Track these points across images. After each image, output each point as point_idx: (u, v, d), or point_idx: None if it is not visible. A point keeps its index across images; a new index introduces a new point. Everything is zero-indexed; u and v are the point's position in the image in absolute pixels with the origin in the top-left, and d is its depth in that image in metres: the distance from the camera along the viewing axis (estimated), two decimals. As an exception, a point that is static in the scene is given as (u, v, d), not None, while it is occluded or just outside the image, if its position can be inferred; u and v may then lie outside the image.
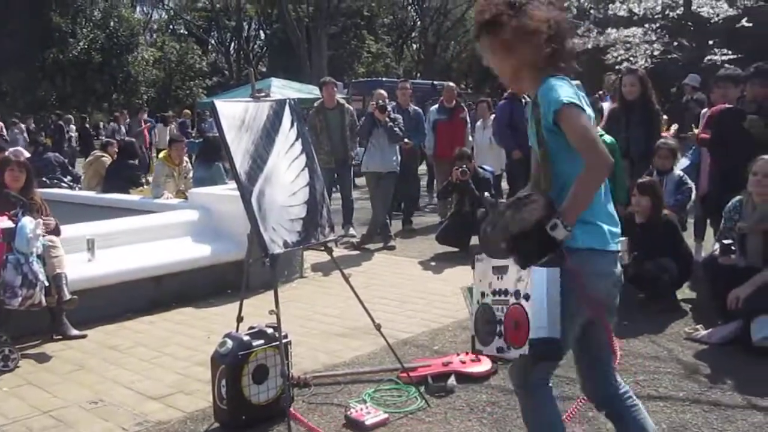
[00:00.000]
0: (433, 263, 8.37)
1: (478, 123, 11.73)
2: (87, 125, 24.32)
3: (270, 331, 4.21)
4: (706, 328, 5.51)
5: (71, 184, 11.18)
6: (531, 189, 2.77)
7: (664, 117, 8.90)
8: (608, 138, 6.85)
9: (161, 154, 9.67)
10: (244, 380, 4.05)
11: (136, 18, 41.81)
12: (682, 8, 18.90)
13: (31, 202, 5.89)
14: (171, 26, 53.20)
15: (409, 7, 52.70)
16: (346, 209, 9.79)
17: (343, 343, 5.58)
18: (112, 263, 6.48)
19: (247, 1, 49.24)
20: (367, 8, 46.42)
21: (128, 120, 23.63)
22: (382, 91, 10.12)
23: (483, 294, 2.88)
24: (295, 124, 4.48)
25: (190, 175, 9.25)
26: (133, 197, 9.12)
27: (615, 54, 18.68)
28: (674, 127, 10.19)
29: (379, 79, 28.82)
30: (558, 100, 2.58)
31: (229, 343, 4.08)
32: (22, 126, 23.60)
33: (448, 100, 10.92)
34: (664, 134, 8.10)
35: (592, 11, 20.76)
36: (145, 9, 52.83)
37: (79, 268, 6.13)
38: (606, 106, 7.79)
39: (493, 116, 10.73)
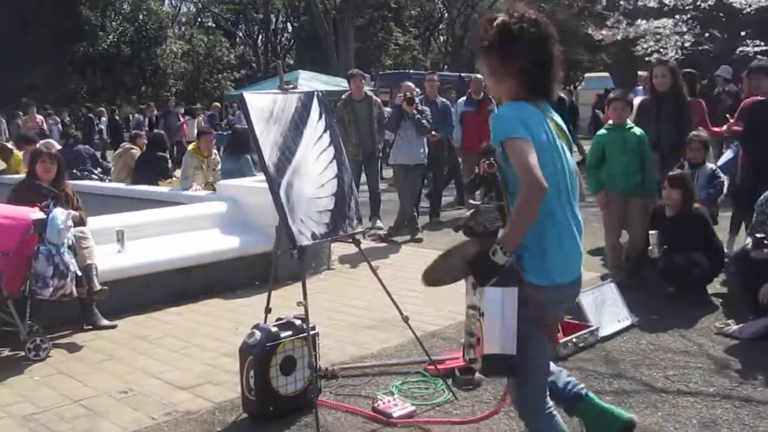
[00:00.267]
0: (460, 256, 8.32)
1: (506, 115, 11.64)
2: (117, 117, 24.55)
3: (298, 322, 4.22)
4: (738, 323, 5.44)
5: (101, 175, 11.24)
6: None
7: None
8: (638, 130, 6.80)
9: (190, 146, 9.72)
10: (272, 371, 4.06)
11: (164, 11, 42.04)
12: (713, -1, 18.63)
13: (62, 194, 5.96)
14: (199, 19, 53.45)
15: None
16: (373, 201, 9.79)
17: (370, 335, 5.58)
18: (141, 254, 6.53)
19: (274, -6, 49.37)
20: (394, 1, 46.31)
21: (155, 112, 23.84)
22: (410, 84, 10.09)
23: (468, 306, 3.01)
24: (323, 116, 4.48)
25: (219, 167, 9.28)
26: (162, 189, 9.17)
27: (645, 45, 18.39)
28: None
29: (407, 71, 28.73)
30: (502, 134, 2.77)
31: (258, 334, 4.10)
32: (57, 118, 23.89)
33: (475, 92, 10.84)
34: (716, 129, 7.94)
35: (621, 2, 20.50)
36: (173, 2, 53.19)
37: (108, 259, 6.19)
38: (636, 100, 7.67)
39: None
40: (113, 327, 5.92)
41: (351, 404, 4.31)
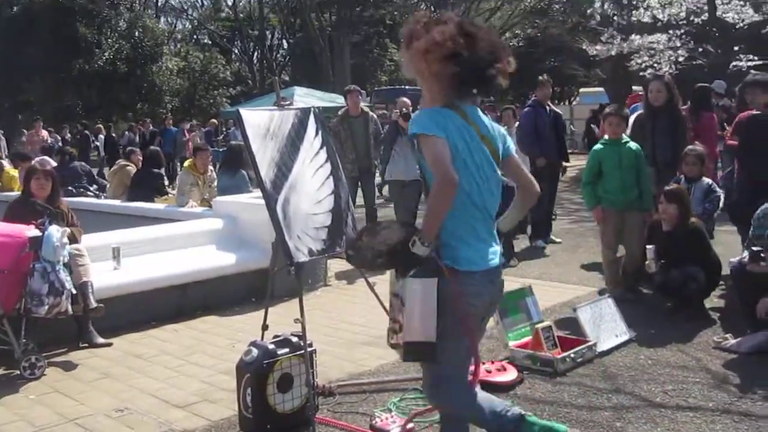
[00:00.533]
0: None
1: (503, 130, 11.64)
2: (113, 134, 24.56)
3: (295, 339, 4.20)
4: (735, 337, 5.43)
5: (97, 192, 11.25)
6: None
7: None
8: (634, 145, 6.81)
9: (186, 163, 9.71)
10: (270, 389, 4.04)
11: (160, 28, 42.06)
12: (706, 14, 18.69)
13: (57, 211, 5.95)
14: (195, 36, 53.54)
15: (432, 16, 52.63)
16: (369, 217, 9.78)
17: (368, 352, 5.56)
18: (137, 271, 6.52)
19: (270, 11, 49.46)
20: (389, 17, 46.47)
21: (151, 128, 23.85)
22: (406, 99, 10.11)
23: (390, 294, 3.19)
24: (320, 132, 4.48)
25: (215, 183, 9.28)
26: (158, 206, 9.16)
27: (639, 61, 18.50)
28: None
29: (402, 87, 28.80)
30: (417, 129, 2.96)
31: (255, 351, 4.08)
32: (57, 136, 23.90)
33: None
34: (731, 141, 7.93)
35: (615, 18, 20.62)
36: (169, 19, 53.26)
37: (104, 277, 6.17)
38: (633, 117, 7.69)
39: (517, 124, 10.68)
40: (109, 345, 5.89)
41: (349, 422, 4.29)
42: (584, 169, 7.19)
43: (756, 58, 17.74)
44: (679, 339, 5.59)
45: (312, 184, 4.34)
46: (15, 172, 10.78)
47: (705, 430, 4.05)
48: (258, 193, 6.09)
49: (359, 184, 9.60)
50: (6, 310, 5.19)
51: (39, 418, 4.48)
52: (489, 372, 4.77)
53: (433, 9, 34.63)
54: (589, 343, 5.24)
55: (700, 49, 18.72)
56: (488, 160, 3.11)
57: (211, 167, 9.63)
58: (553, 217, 10.55)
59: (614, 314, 5.65)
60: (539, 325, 5.25)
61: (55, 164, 10.21)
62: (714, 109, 11.96)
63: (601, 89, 27.66)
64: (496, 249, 3.17)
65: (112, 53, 35.09)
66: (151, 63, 36.80)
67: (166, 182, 10.81)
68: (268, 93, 31.26)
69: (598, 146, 7.01)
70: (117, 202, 9.77)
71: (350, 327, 6.25)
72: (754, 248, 5.52)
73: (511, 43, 40.65)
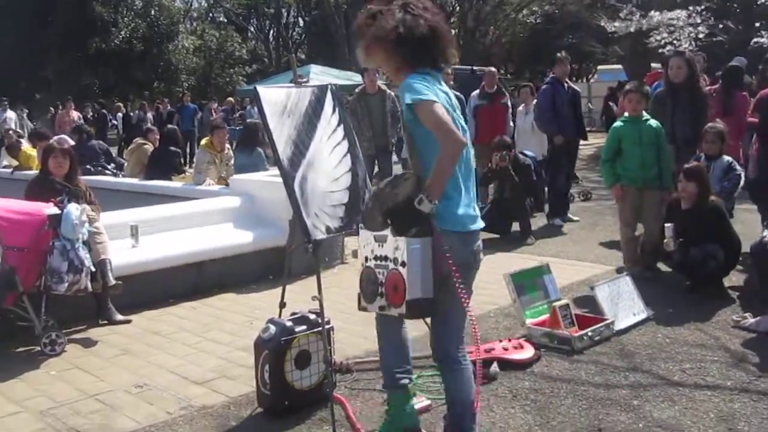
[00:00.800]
0: (474, 249, 8.29)
1: (521, 108, 11.58)
2: (130, 113, 24.62)
3: (312, 316, 4.21)
4: (755, 316, 5.39)
5: (115, 171, 11.30)
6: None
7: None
8: (654, 122, 6.75)
9: (203, 141, 9.73)
10: (287, 366, 4.06)
11: (176, 6, 42.04)
12: (727, -10, 18.50)
13: (75, 189, 5.98)
14: (211, 14, 53.44)
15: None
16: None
17: (384, 330, 5.55)
18: (155, 249, 6.55)
19: (286, -12, 49.29)
20: (405, -7, 46.19)
21: (168, 108, 23.86)
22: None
23: (366, 258, 3.29)
24: (337, 109, 4.46)
25: (232, 161, 9.29)
26: (175, 184, 9.19)
27: (658, 37, 18.25)
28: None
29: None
30: (411, 97, 3.03)
31: (272, 328, 4.09)
32: (80, 114, 24.00)
33: (489, 85, 10.81)
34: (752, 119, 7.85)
35: (634, -6, 20.39)
36: (185, -3, 53.22)
37: (123, 254, 6.20)
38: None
39: (535, 101, 10.61)
40: (128, 322, 5.93)
41: (365, 398, 4.30)
42: (603, 146, 7.14)
43: (777, 34, 17.51)
44: (698, 318, 5.56)
45: (329, 161, 4.32)
46: (33, 151, 10.84)
47: (723, 408, 4.03)
48: (275, 171, 6.09)
49: (376, 162, 9.57)
50: (26, 288, 5.23)
51: (59, 394, 4.53)
52: (506, 349, 4.77)
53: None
54: (607, 322, 5.22)
55: (721, 26, 18.50)
56: (459, 122, 3.23)
57: (228, 145, 9.65)
58: (571, 198, 10.48)
59: (632, 293, 5.62)
60: (557, 303, 5.25)
61: (72, 143, 10.27)
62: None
63: (619, 66, 27.39)
64: (477, 213, 3.31)
65: (128, 32, 35.14)
66: (167, 42, 36.84)
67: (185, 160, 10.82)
68: (284, 71, 31.24)
69: (617, 123, 6.95)
70: (135, 181, 9.82)
71: (367, 305, 6.25)
72: (775, 226, 5.48)
73: (528, 20, 40.44)
